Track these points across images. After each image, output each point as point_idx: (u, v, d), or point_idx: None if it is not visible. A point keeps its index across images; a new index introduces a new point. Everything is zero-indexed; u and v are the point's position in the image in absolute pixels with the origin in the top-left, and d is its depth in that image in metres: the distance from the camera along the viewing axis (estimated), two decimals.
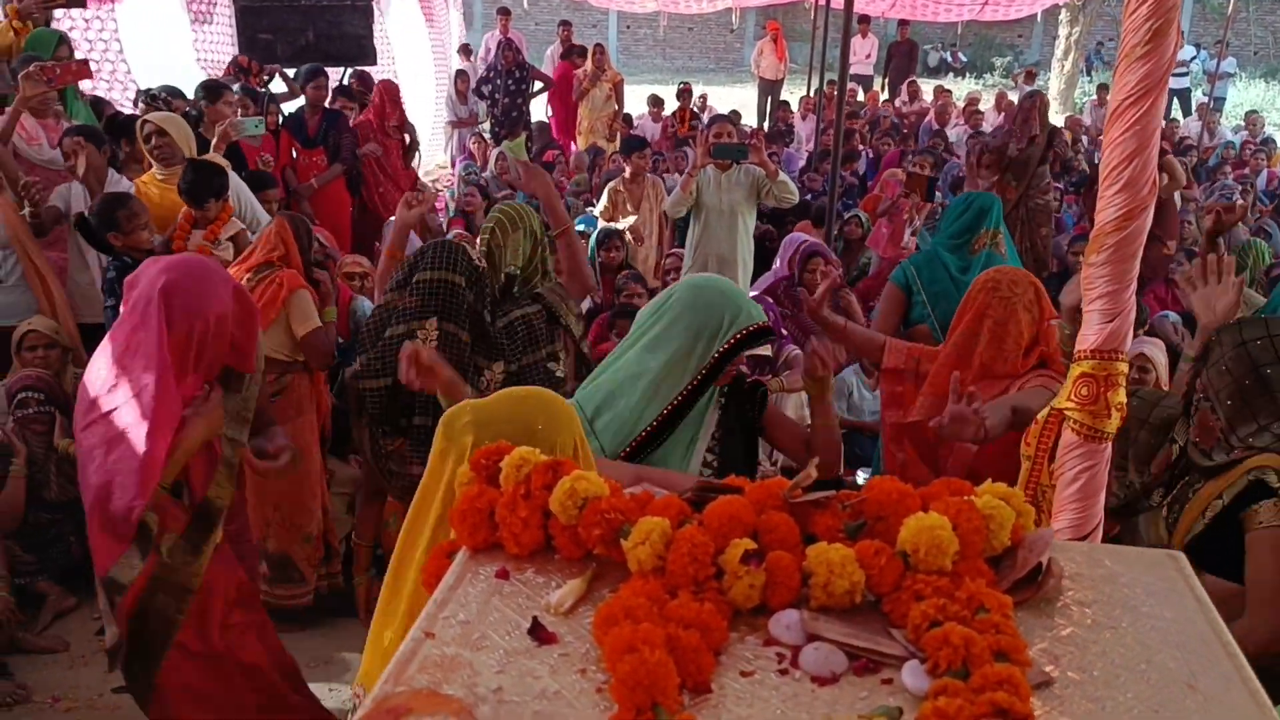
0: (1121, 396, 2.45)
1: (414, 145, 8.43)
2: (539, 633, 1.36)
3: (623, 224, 7.25)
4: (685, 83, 13.46)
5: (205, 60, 9.46)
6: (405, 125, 8.39)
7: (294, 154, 7.33)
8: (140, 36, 8.60)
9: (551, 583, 1.49)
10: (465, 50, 14.27)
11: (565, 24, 13.09)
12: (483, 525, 1.55)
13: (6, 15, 5.47)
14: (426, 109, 12.48)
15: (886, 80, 16.30)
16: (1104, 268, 2.27)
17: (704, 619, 1.32)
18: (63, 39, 5.91)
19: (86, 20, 8.00)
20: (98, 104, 6.56)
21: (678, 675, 1.23)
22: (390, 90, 8.36)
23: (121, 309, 2.67)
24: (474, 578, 1.50)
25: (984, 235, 4.42)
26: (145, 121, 5.18)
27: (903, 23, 16.59)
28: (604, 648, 1.28)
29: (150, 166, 5.22)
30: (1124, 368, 2.41)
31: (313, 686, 3.88)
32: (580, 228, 7.57)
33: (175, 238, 4.65)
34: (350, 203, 7.75)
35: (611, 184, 7.62)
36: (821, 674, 1.31)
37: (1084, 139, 12.76)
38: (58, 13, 7.06)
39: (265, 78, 8.15)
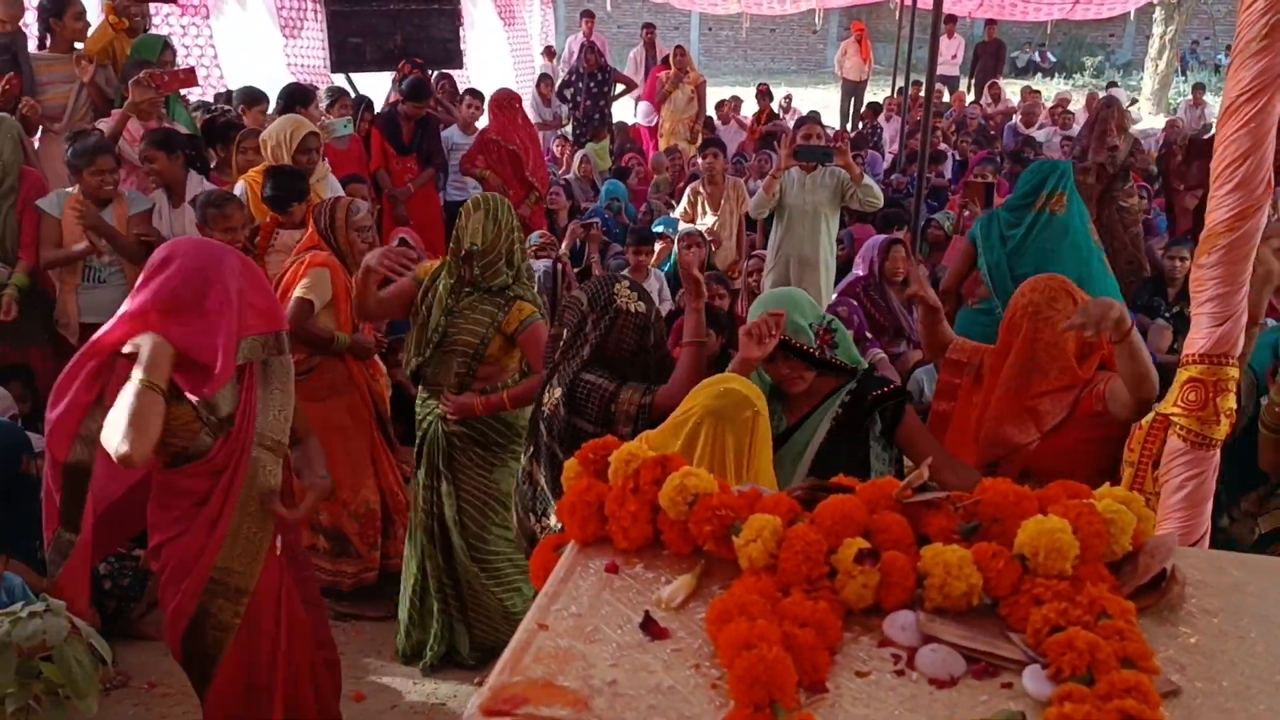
0: (1231, 402, 2.38)
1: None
2: (651, 627, 1.36)
3: (701, 226, 7.25)
4: (763, 84, 13.39)
5: (296, 66, 9.66)
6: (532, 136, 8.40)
7: (386, 157, 7.45)
8: (234, 43, 8.82)
9: (661, 578, 1.49)
10: (549, 53, 14.37)
11: (649, 26, 13.10)
12: (592, 519, 1.55)
13: (104, 13, 5.62)
14: None
15: (973, 81, 16.04)
16: (1215, 269, 2.21)
17: (819, 617, 1.31)
18: (167, 44, 6.07)
19: (184, 27, 8.23)
20: (206, 109, 6.73)
21: (795, 673, 1.22)
22: (505, 102, 8.29)
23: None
24: (584, 571, 1.50)
25: (1043, 197, 4.57)
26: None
27: (990, 22, 16.31)
28: (718, 644, 1.28)
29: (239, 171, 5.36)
30: (1234, 372, 2.34)
31: (393, 680, 3.96)
32: (659, 229, 7.58)
33: (260, 240, 4.77)
34: (441, 203, 7.85)
35: (691, 185, 7.61)
36: (939, 676, 1.29)
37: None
38: (155, 19, 7.28)
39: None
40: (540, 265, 6.68)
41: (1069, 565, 1.40)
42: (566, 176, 9.89)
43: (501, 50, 12.77)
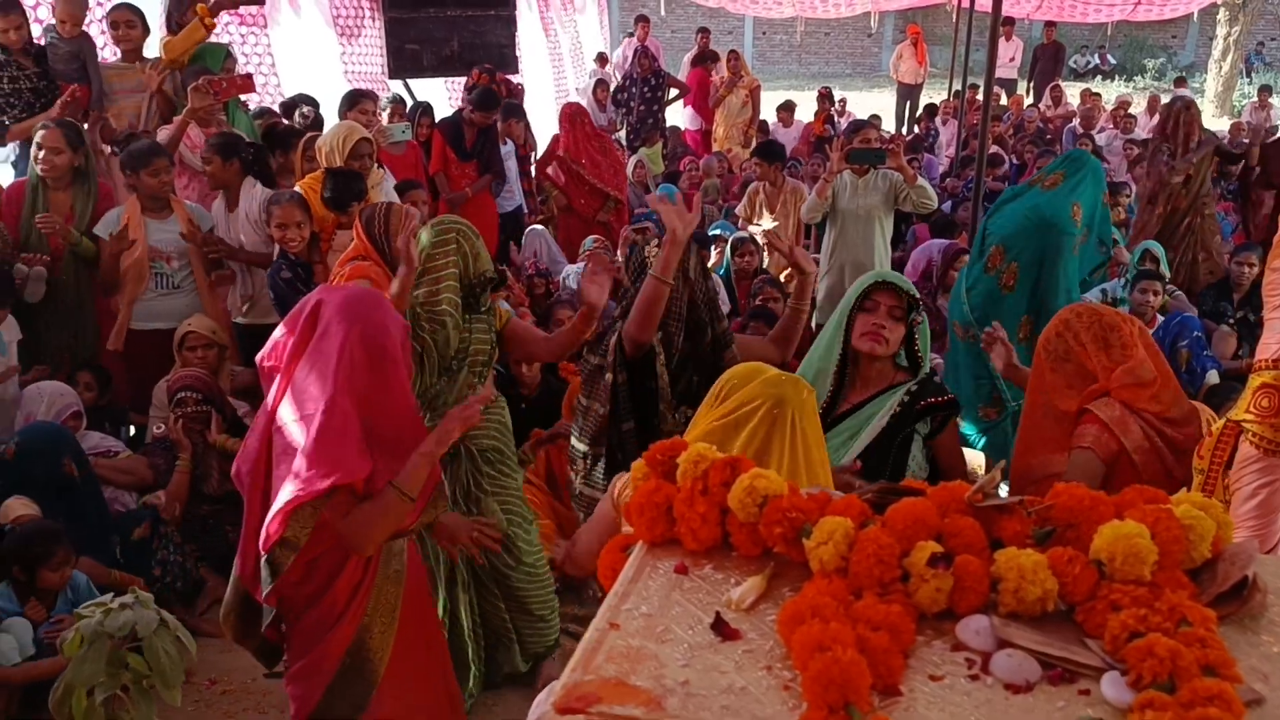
0: None
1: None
2: (722, 628, 1.36)
3: (760, 226, 7.24)
4: (825, 87, 13.33)
5: (353, 73, 9.77)
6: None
7: (446, 162, 7.52)
8: (291, 52, 8.94)
9: (730, 579, 1.49)
10: (602, 59, 14.43)
11: (703, 31, 13.10)
12: (660, 520, 1.56)
13: (198, 14, 5.73)
14: (548, 118, 12.67)
15: (1031, 84, 15.85)
16: None
17: (892, 620, 1.30)
18: (229, 53, 6.18)
19: (242, 36, 8.36)
20: (267, 115, 6.83)
21: (869, 676, 1.21)
22: (575, 115, 8.34)
23: (289, 328, 2.57)
24: (653, 571, 1.51)
25: (1042, 174, 4.79)
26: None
27: (1049, 24, 16.11)
28: (791, 646, 1.27)
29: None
30: None
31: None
32: (715, 232, 7.58)
33: (322, 241, 4.83)
34: (495, 207, 7.91)
35: (752, 187, 7.61)
36: (1015, 681, 1.27)
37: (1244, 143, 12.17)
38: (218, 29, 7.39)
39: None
40: (572, 269, 6.72)
41: (1147, 571, 1.38)
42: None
43: (542, 58, 12.84)
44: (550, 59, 13.08)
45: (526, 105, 9.44)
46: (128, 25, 5.69)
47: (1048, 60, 15.80)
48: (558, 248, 7.75)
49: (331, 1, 9.35)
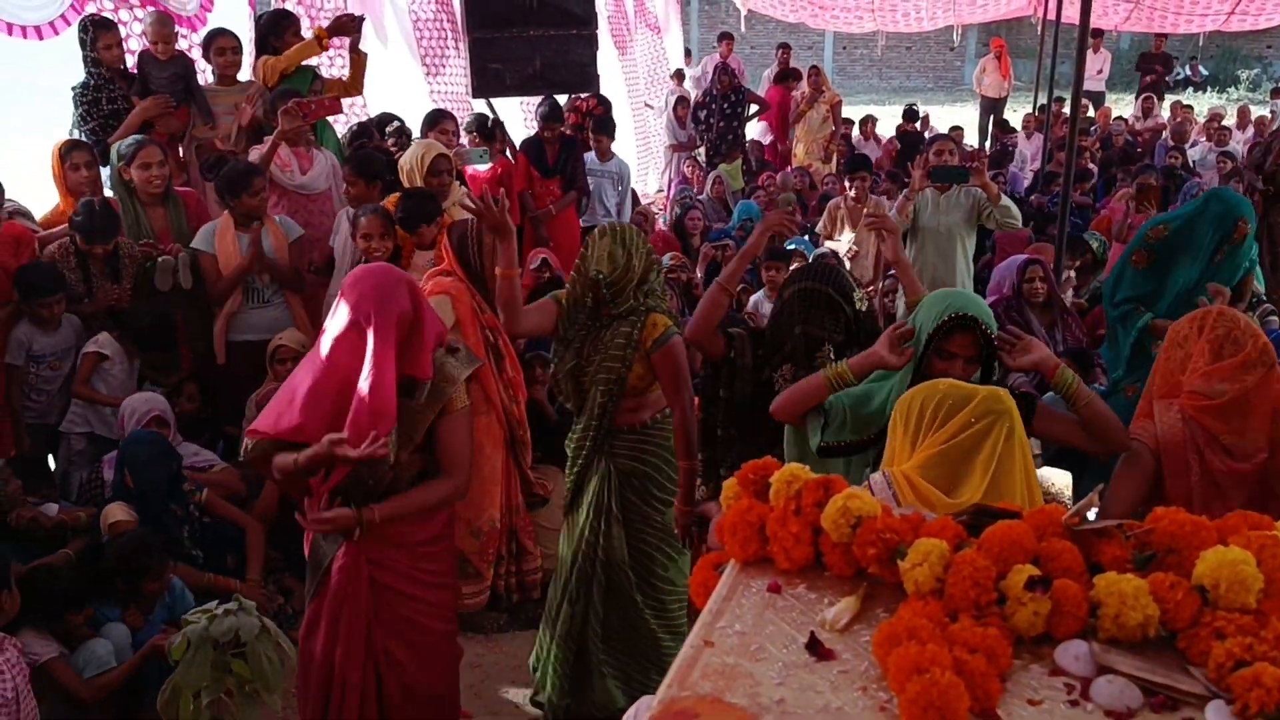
0: None
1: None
2: (817, 648, 1.36)
3: (840, 241, 7.22)
4: (912, 103, 13.24)
5: (439, 93, 9.95)
6: None
7: (530, 180, 7.62)
8: (378, 74, 9.13)
9: (823, 599, 1.50)
10: (679, 75, 14.47)
11: (784, 46, 13.07)
12: (753, 539, 1.57)
13: (316, 35, 5.92)
14: (626, 136, 12.72)
15: (1140, 94, 15.49)
16: None
17: (989, 644, 1.30)
18: (317, 75, 6.34)
19: (329, 58, 8.57)
20: (363, 133, 7.00)
21: (967, 698, 1.21)
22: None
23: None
24: (745, 590, 1.52)
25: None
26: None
27: (1159, 36, 15.81)
28: (888, 667, 1.27)
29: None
30: None
31: (512, 691, 4.02)
32: (792, 247, 7.56)
33: (403, 259, 4.93)
34: (580, 224, 7.99)
35: (833, 201, 7.58)
36: (1116, 708, 1.26)
37: None
38: None
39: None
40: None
41: (1252, 598, 1.35)
42: (700, 197, 9.95)
43: (616, 76, 12.90)
44: (625, 78, 13.16)
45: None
46: (233, 51, 5.88)
47: (1153, 67, 15.48)
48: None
49: (417, 32, 9.54)
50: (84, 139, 5.43)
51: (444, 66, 10.03)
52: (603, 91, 10.36)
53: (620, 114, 12.74)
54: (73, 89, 5.61)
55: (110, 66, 5.56)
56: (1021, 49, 21.20)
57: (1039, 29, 13.79)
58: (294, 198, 5.56)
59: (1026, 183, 11.31)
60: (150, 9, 6.03)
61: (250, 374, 5.01)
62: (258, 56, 6.05)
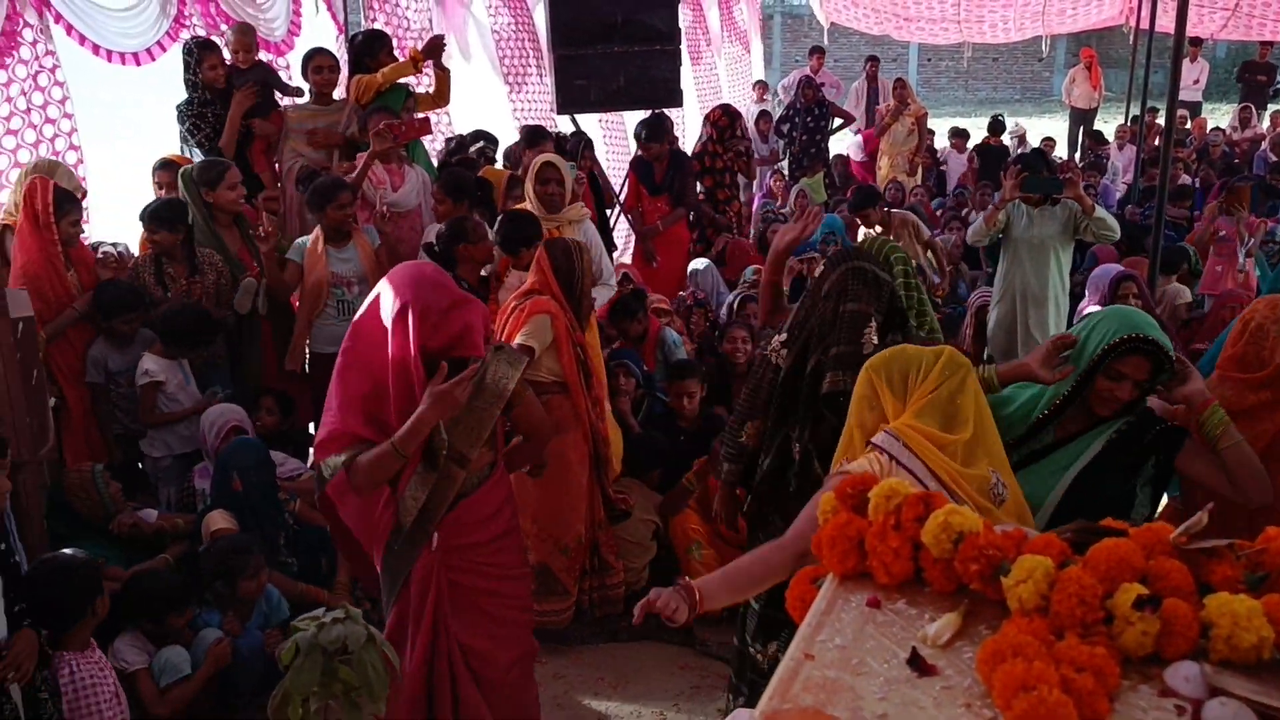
0: None
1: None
2: (920, 663, 1.36)
3: None
4: (998, 114, 13.05)
5: (521, 110, 10.09)
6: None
7: (639, 197, 7.72)
8: (462, 92, 9.29)
9: (924, 614, 1.49)
10: (761, 87, 14.43)
11: (872, 60, 12.94)
12: (851, 553, 1.57)
13: (412, 57, 6.09)
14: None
15: (1242, 104, 15.07)
16: None
17: (1097, 662, 1.28)
18: (410, 93, 6.48)
19: (416, 79, 8.76)
20: (463, 149, 7.14)
21: (1075, 716, 1.20)
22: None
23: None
24: (844, 604, 1.52)
25: None
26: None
27: (1264, 44, 15.35)
28: (993, 684, 1.26)
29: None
30: None
31: (612, 704, 4.04)
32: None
33: (493, 277, 5.00)
34: (689, 240, 8.02)
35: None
36: None
37: None
38: None
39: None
40: (732, 296, 6.75)
41: None
42: (783, 211, 9.92)
43: (691, 91, 12.93)
44: (699, 93, 13.18)
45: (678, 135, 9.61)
46: (330, 69, 6.05)
47: (1257, 77, 15.06)
48: (722, 279, 7.81)
49: (499, 50, 9.70)
50: (194, 151, 5.66)
51: (525, 82, 10.18)
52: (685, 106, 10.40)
53: (694, 127, 12.80)
54: (178, 106, 5.84)
55: (211, 86, 5.77)
56: (1112, 59, 20.75)
57: (1131, 38, 13.51)
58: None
59: (1119, 195, 11.07)
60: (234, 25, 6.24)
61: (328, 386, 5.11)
62: (351, 75, 6.21)
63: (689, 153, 8.73)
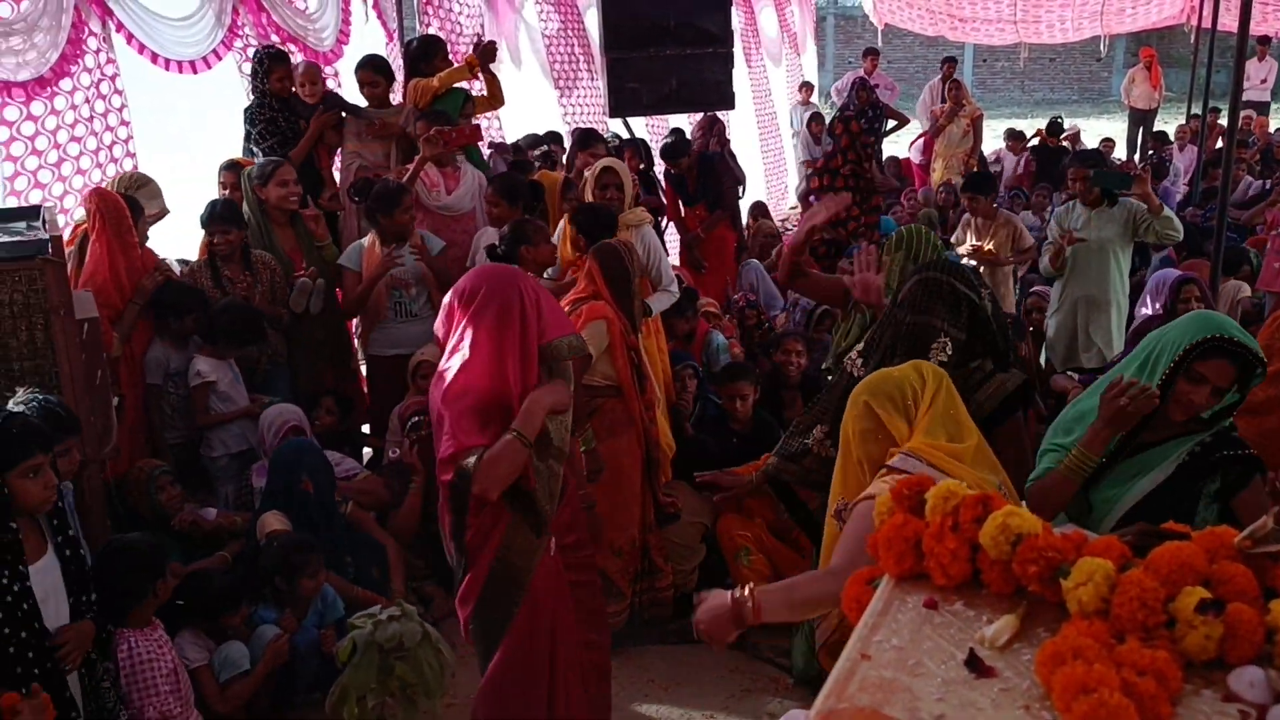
0: None
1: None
2: (978, 665, 1.35)
3: (962, 249, 7.13)
4: (1056, 116, 12.87)
5: (571, 115, 10.14)
6: None
7: (678, 210, 7.76)
8: (513, 97, 9.38)
9: (982, 616, 1.48)
10: (807, 89, 14.35)
11: (949, 60, 12.73)
12: (908, 555, 1.56)
13: (468, 62, 6.18)
14: (753, 151, 12.70)
15: None
16: None
17: (1159, 666, 1.27)
18: (468, 98, 6.54)
19: (468, 84, 8.85)
20: (518, 152, 7.22)
21: None
22: None
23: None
24: (901, 605, 1.51)
25: None
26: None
27: None
28: (1053, 687, 1.25)
29: None
30: None
31: (663, 707, 4.04)
32: None
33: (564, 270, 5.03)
34: (734, 239, 8.05)
35: (965, 217, 7.47)
36: None
37: None
38: None
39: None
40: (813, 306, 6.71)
41: None
42: None
43: (745, 93, 12.91)
44: (751, 95, 13.16)
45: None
46: (372, 85, 6.13)
47: None
48: (773, 283, 7.79)
49: (550, 55, 9.76)
50: (259, 154, 5.77)
51: (576, 86, 10.23)
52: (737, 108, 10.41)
53: (746, 129, 12.79)
54: (245, 110, 5.97)
55: (278, 96, 5.89)
56: (1173, 58, 20.41)
57: (1192, 37, 13.27)
58: (437, 217, 5.72)
59: (1179, 197, 10.88)
60: (302, 60, 6.35)
61: (398, 387, 5.16)
62: (408, 81, 6.28)
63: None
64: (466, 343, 2.77)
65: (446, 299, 2.89)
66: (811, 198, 8.13)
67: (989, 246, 7.01)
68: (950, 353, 3.07)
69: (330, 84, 6.57)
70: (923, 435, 2.29)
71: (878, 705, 1.28)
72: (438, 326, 2.92)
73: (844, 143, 8.00)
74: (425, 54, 6.29)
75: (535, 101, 9.76)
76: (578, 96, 10.17)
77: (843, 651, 1.41)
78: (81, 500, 3.55)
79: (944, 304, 3.17)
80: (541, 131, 8.42)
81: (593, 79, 10.32)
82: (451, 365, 2.79)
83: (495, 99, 6.68)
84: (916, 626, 1.45)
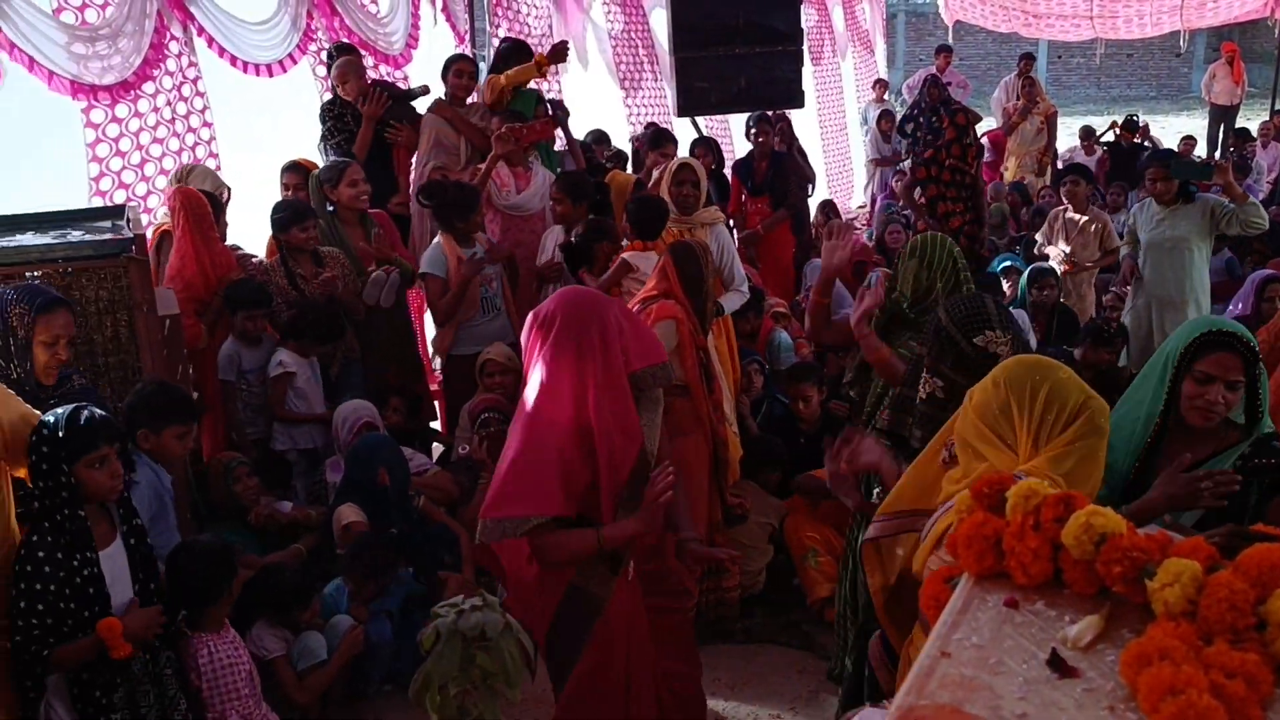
0: None
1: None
2: (1061, 665, 1.33)
3: (1053, 251, 7.00)
4: (1132, 114, 12.61)
5: (636, 115, 10.18)
6: None
7: (743, 199, 7.65)
8: (580, 97, 9.44)
9: (1064, 616, 1.46)
10: (880, 86, 14.22)
11: (1027, 57, 12.52)
12: (988, 553, 1.55)
13: (536, 61, 6.22)
14: (819, 149, 12.61)
15: None
16: None
17: (1249, 669, 1.24)
18: (540, 99, 6.59)
19: (536, 83, 8.93)
20: (588, 150, 7.24)
21: None
22: None
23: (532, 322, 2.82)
24: (981, 604, 1.50)
25: None
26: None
27: None
28: (1139, 688, 1.24)
29: None
30: None
31: (729, 705, 4.02)
32: (1006, 264, 7.31)
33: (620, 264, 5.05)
34: (794, 244, 7.95)
35: (1053, 212, 7.33)
36: None
37: None
38: None
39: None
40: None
41: None
42: (905, 212, 9.78)
43: (809, 90, 12.83)
44: (820, 92, 13.07)
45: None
46: (470, 75, 6.19)
47: None
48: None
49: (616, 55, 9.80)
50: (330, 153, 5.89)
51: (640, 86, 10.26)
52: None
53: (812, 127, 12.69)
54: (322, 105, 6.10)
55: (344, 100, 6.00)
56: (1256, 53, 19.89)
57: (1276, 31, 12.92)
58: (506, 217, 5.76)
59: (1262, 195, 10.60)
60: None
61: (470, 387, 5.16)
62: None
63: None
64: (545, 370, 2.68)
65: (528, 321, 2.80)
66: (917, 190, 7.95)
67: (1075, 259, 6.90)
68: (927, 392, 2.90)
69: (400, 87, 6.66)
70: (1046, 462, 2.07)
71: (959, 703, 1.28)
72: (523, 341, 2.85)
73: (950, 135, 7.89)
74: (512, 59, 6.32)
75: (601, 102, 9.82)
76: (642, 97, 10.20)
77: (922, 649, 1.40)
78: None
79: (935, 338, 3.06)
80: (610, 131, 8.43)
81: (656, 79, 10.33)
82: (530, 393, 2.71)
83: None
84: (997, 625, 1.44)
